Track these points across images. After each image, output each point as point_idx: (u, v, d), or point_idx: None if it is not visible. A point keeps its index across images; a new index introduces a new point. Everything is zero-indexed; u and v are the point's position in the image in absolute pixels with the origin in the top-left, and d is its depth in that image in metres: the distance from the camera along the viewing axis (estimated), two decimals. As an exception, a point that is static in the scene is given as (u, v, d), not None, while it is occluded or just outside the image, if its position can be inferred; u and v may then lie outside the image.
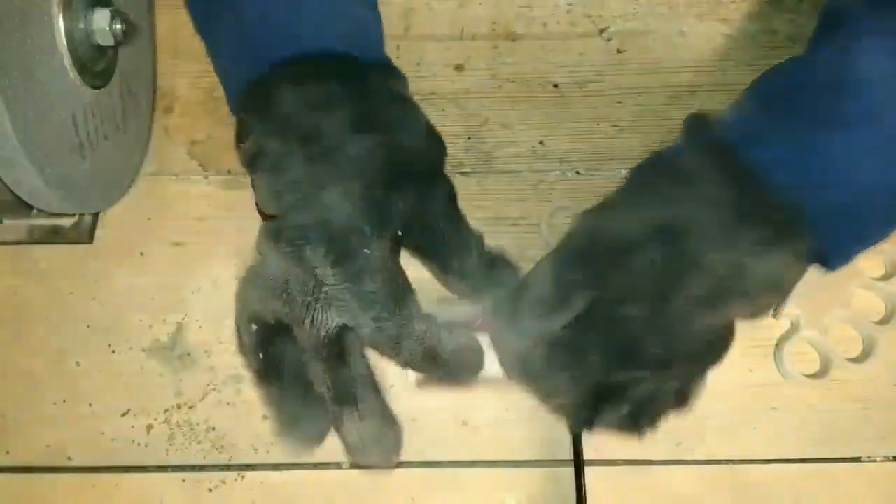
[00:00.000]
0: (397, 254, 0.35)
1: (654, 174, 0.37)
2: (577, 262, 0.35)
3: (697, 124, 0.38)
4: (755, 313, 0.36)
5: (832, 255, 0.36)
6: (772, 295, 0.36)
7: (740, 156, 0.35)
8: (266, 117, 0.35)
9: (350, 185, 0.34)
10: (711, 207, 0.34)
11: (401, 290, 0.34)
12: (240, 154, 0.37)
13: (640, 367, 0.34)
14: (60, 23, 0.36)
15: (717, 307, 0.34)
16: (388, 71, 0.38)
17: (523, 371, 0.36)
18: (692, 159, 0.36)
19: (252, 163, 0.36)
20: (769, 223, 0.34)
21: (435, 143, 0.37)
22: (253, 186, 0.37)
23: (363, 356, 0.33)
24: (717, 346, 0.36)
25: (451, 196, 0.37)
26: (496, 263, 0.37)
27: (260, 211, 0.37)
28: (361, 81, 0.36)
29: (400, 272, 0.35)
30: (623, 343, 0.34)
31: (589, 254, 0.35)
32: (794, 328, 0.43)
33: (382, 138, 0.35)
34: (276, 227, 0.34)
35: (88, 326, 0.44)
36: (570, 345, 0.34)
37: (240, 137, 0.37)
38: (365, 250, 0.33)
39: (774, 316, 0.44)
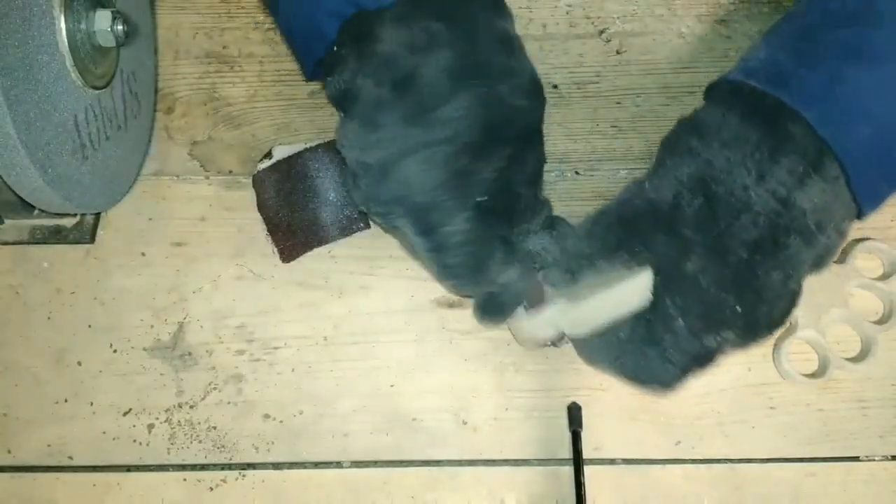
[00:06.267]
0: (484, 213, 0.35)
1: (679, 135, 0.37)
2: (622, 232, 0.36)
3: (716, 84, 0.38)
4: (820, 259, 0.36)
5: (862, 195, 0.35)
6: (826, 232, 0.35)
7: (765, 96, 0.35)
8: (363, 53, 0.34)
9: (439, 150, 0.33)
10: (739, 148, 0.34)
11: (482, 259, 0.35)
12: (327, 88, 0.37)
13: (726, 328, 0.34)
14: (62, 24, 0.36)
15: (778, 247, 0.34)
16: (496, 8, 0.37)
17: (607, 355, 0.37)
18: (713, 111, 0.36)
19: (341, 100, 0.36)
20: (798, 153, 0.33)
21: (536, 95, 0.37)
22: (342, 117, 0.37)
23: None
24: (784, 301, 0.35)
25: (540, 158, 0.37)
26: (558, 225, 0.38)
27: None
28: (467, 20, 0.35)
29: (489, 236, 0.36)
30: (703, 304, 0.34)
31: (631, 223, 0.36)
32: (792, 328, 0.43)
33: (482, 92, 0.34)
34: (364, 195, 0.35)
35: (90, 326, 0.44)
36: (651, 318, 0.35)
37: (329, 70, 0.36)
38: (446, 227, 0.34)
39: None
